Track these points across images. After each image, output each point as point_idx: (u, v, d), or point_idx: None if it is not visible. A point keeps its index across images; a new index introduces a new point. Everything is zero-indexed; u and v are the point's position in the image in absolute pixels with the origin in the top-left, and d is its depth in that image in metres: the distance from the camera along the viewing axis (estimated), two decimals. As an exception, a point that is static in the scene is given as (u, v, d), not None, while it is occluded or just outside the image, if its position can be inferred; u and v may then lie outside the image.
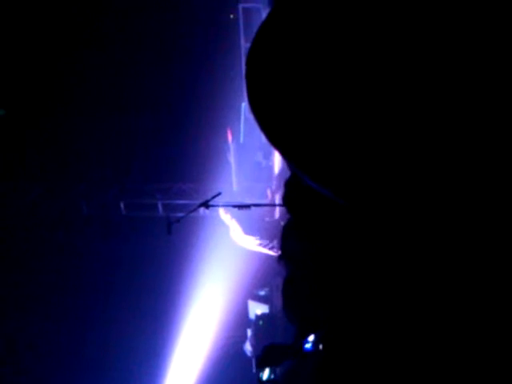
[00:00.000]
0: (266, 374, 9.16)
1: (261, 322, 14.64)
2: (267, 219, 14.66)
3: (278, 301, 13.42)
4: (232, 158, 16.63)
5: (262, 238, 14.36)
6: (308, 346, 7.01)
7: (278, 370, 8.81)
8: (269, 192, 15.65)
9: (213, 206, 10.21)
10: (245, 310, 15.27)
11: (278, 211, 14.36)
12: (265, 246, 14.48)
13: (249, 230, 14.57)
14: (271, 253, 14.30)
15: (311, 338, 7.01)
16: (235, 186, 16.57)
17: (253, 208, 10.15)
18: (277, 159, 14.80)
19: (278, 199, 14.44)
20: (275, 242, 14.27)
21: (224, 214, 14.48)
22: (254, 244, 14.59)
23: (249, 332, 14.75)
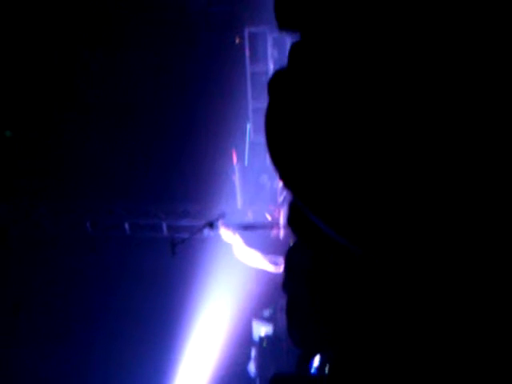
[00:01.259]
0: None
1: (265, 343, 14.62)
2: (272, 237, 14.71)
3: (282, 321, 13.43)
4: (237, 179, 16.69)
5: (266, 254, 14.41)
6: (313, 369, 7.00)
7: None
8: (272, 206, 15.70)
9: (217, 226, 10.30)
10: (249, 331, 15.26)
11: (282, 230, 14.41)
12: (269, 263, 14.52)
13: (253, 246, 14.62)
14: (274, 270, 14.35)
15: (316, 360, 6.99)
16: (240, 208, 16.62)
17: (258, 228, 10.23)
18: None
19: (282, 215, 14.50)
20: (280, 259, 14.31)
21: (225, 232, 14.54)
22: (257, 259, 14.63)
23: (253, 352, 14.73)
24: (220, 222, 11.62)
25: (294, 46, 1.29)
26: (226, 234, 14.68)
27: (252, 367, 14.54)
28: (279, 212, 14.98)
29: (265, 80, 15.42)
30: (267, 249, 14.64)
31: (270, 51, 15.52)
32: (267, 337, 14.80)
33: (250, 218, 15.97)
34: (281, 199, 15.24)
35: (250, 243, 14.67)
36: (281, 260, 14.57)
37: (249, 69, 15.88)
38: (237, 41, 16.00)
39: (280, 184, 15.04)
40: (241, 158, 16.66)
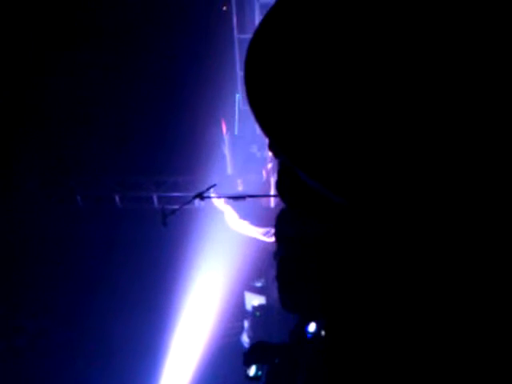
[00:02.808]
0: (252, 371, 9.45)
1: (258, 314, 14.67)
2: (263, 205, 14.70)
3: (275, 292, 13.45)
4: (227, 149, 16.63)
5: (257, 224, 14.41)
6: (309, 334, 7.09)
7: (268, 366, 9.00)
8: (264, 172, 15.67)
9: (208, 197, 10.21)
10: (241, 302, 15.30)
11: (273, 200, 14.39)
12: (260, 232, 14.53)
13: (244, 216, 14.62)
14: (266, 239, 14.35)
15: (312, 326, 7.09)
16: (230, 177, 16.57)
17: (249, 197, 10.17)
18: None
19: (273, 181, 14.48)
20: (270, 228, 14.31)
21: (218, 201, 14.52)
22: (248, 229, 14.64)
23: (246, 323, 14.79)
24: (211, 194, 11.59)
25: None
26: (219, 203, 14.67)
27: (245, 338, 14.61)
28: (269, 181, 14.94)
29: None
30: (258, 217, 14.63)
31: (258, 18, 15.34)
32: (260, 307, 14.85)
33: (240, 187, 15.92)
34: (270, 167, 15.19)
35: (241, 213, 14.64)
36: (272, 230, 14.55)
37: (236, 36, 15.72)
38: (224, 8, 15.80)
39: (270, 153, 14.96)
40: (230, 127, 16.57)
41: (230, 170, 16.63)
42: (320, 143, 0.85)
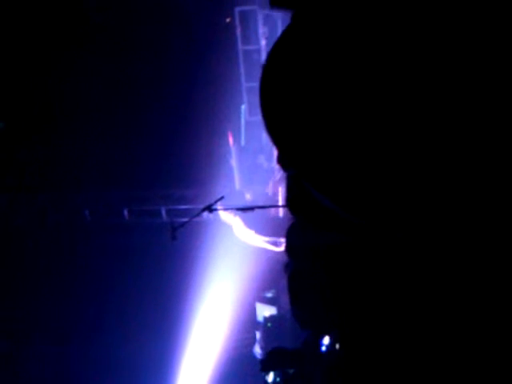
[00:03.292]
0: (270, 378, 9.38)
1: (269, 324, 14.64)
2: (271, 216, 14.70)
3: (286, 302, 13.43)
4: (234, 161, 16.64)
5: (266, 234, 14.41)
6: (324, 347, 7.04)
7: (285, 374, 8.95)
8: (271, 183, 15.67)
9: (216, 209, 10.23)
10: (253, 313, 15.27)
11: (282, 210, 14.38)
12: (269, 243, 14.53)
13: (252, 227, 14.61)
14: (275, 248, 14.35)
15: (326, 339, 7.04)
16: (238, 189, 16.57)
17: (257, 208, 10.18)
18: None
19: (281, 191, 14.47)
20: (280, 240, 14.30)
21: (225, 215, 14.53)
22: (257, 239, 14.65)
23: (257, 334, 14.76)
24: (219, 206, 11.62)
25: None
26: (226, 216, 14.67)
27: (258, 349, 14.57)
28: (277, 191, 14.95)
29: (257, 58, 15.30)
30: (267, 228, 14.63)
31: (261, 29, 15.39)
32: (271, 317, 14.83)
33: (248, 198, 15.92)
34: (278, 178, 15.20)
35: (249, 223, 14.64)
36: (281, 240, 14.56)
37: (241, 48, 15.76)
38: (227, 20, 15.86)
39: (277, 165, 14.95)
40: (237, 139, 16.58)
41: (237, 182, 16.63)
42: (333, 163, 0.86)
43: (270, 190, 15.66)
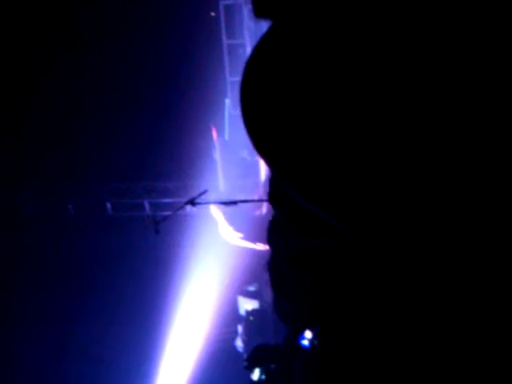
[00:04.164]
0: (256, 375, 9.29)
1: (251, 318, 14.67)
2: (255, 213, 14.69)
3: (268, 296, 13.46)
4: (217, 155, 16.65)
5: (249, 232, 14.40)
6: (305, 342, 7.02)
7: (268, 370, 8.88)
8: (255, 177, 15.68)
9: (199, 203, 10.22)
10: (235, 306, 15.30)
11: (265, 206, 14.40)
12: (252, 241, 14.53)
13: (237, 226, 14.60)
14: (258, 247, 14.35)
15: (308, 334, 7.02)
16: (221, 183, 16.59)
17: (240, 204, 10.17)
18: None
19: (264, 186, 14.49)
20: (263, 237, 14.29)
21: (215, 211, 14.52)
22: (241, 240, 14.64)
23: (239, 328, 14.78)
24: (209, 204, 11.62)
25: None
26: (216, 214, 14.65)
27: (239, 343, 14.60)
28: (261, 185, 14.97)
29: (242, 53, 15.30)
30: (250, 224, 14.64)
31: (246, 23, 15.38)
32: (253, 311, 14.85)
33: (231, 193, 15.94)
34: (262, 173, 15.23)
35: (233, 219, 14.65)
36: (264, 238, 14.55)
37: (225, 42, 15.75)
38: (212, 14, 15.83)
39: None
40: (221, 133, 16.59)
41: (220, 176, 16.65)
42: (313, 162, 0.86)
43: (253, 183, 15.68)
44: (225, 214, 14.30)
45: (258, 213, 14.62)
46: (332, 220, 0.88)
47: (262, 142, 0.98)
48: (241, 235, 14.49)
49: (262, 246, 13.84)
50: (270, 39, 1.00)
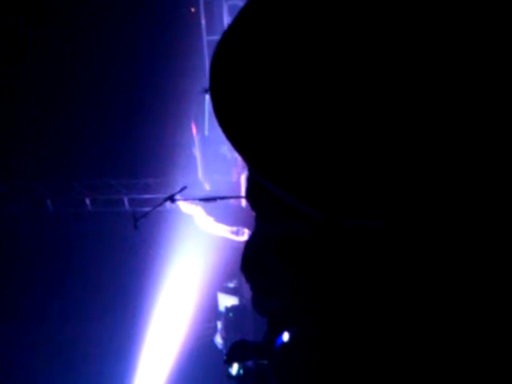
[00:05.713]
0: (234, 370, 9.31)
1: (231, 314, 14.68)
2: (233, 205, 14.72)
3: (247, 292, 13.47)
4: (197, 150, 16.63)
5: (227, 223, 14.44)
6: (285, 338, 7.03)
7: (246, 366, 8.90)
8: (234, 173, 15.69)
9: (179, 200, 10.22)
10: (214, 303, 15.31)
11: (244, 200, 14.40)
12: (232, 233, 14.56)
13: (214, 217, 14.64)
14: (236, 238, 14.39)
15: (286, 336, 7.02)
16: (201, 179, 16.58)
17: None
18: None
19: (243, 181, 14.50)
20: (241, 229, 14.34)
21: (186, 206, 14.53)
22: (218, 228, 14.67)
23: (219, 324, 14.78)
24: (179, 196, 11.62)
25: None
26: (186, 207, 14.66)
27: (219, 339, 14.60)
28: (239, 181, 14.99)
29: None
30: (228, 217, 14.66)
31: (226, 19, 15.37)
32: (233, 307, 14.86)
33: (211, 189, 15.94)
34: (240, 168, 15.23)
35: (211, 212, 14.65)
36: (242, 229, 14.61)
37: (205, 38, 15.73)
38: (192, 10, 15.80)
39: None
40: (200, 128, 16.56)
41: (200, 171, 16.64)
42: (285, 151, 0.84)
43: (233, 179, 15.70)
44: (203, 205, 14.33)
45: (236, 204, 14.67)
46: (305, 207, 0.85)
47: (227, 120, 0.95)
48: (220, 225, 14.54)
49: (240, 238, 13.86)
50: (247, 13, 0.97)
